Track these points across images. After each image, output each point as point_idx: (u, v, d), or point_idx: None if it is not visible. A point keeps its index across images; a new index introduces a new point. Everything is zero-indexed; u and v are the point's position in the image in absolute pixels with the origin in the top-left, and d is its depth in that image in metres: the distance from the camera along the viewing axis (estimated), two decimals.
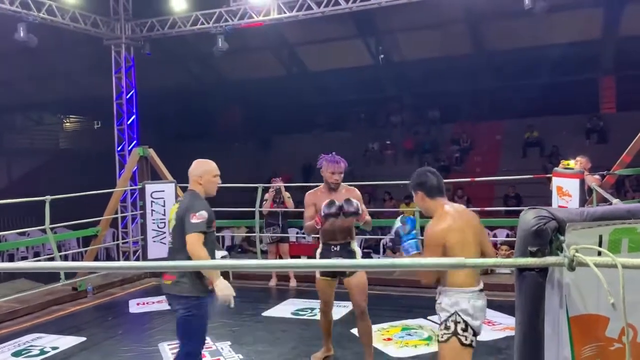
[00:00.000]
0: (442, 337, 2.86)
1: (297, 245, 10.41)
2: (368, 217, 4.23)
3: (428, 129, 16.45)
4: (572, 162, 5.88)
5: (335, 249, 4.16)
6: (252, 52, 14.29)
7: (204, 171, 3.47)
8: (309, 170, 16.14)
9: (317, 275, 4.33)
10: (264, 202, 7.44)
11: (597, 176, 5.93)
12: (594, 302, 1.32)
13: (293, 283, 7.22)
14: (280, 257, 7.39)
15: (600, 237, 1.28)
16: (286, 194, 7.41)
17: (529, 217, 1.29)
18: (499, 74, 15.08)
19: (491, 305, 5.73)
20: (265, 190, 7.54)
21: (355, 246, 4.30)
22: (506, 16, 12.17)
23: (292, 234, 10.72)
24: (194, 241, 3.24)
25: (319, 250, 4.26)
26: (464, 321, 2.79)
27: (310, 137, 16.73)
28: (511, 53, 14.07)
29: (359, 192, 4.35)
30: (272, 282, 7.33)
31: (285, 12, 9.45)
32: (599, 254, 1.20)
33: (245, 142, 17.94)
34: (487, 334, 4.99)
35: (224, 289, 3.24)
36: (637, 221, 1.30)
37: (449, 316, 2.82)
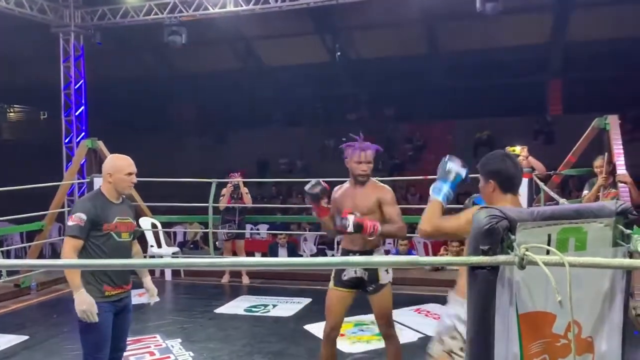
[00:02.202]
0: (432, 350, 2.42)
1: (250, 242, 10.33)
2: (387, 228, 3.32)
3: (383, 127, 16.62)
4: (517, 148, 6.05)
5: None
6: (208, 44, 14.07)
7: (114, 168, 3.11)
8: (264, 166, 16.08)
9: (330, 284, 3.55)
10: (221, 197, 7.29)
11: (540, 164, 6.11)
12: (542, 300, 1.35)
13: (246, 280, 7.15)
14: (235, 254, 7.30)
15: (549, 236, 1.32)
16: (244, 190, 7.24)
17: (481, 216, 1.31)
18: (452, 75, 15.38)
19: (441, 300, 5.89)
20: (222, 185, 7.41)
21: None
22: (460, 18, 12.41)
23: (247, 229, 10.63)
24: (63, 246, 3.00)
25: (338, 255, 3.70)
26: (463, 338, 2.23)
27: (266, 133, 16.65)
28: (464, 54, 14.39)
29: (389, 191, 3.49)
30: (225, 279, 7.24)
31: (241, 5, 9.33)
32: (548, 252, 1.23)
33: (199, 136, 17.66)
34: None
35: (81, 304, 2.92)
36: (584, 221, 1.35)
37: (447, 328, 2.38)
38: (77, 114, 10.14)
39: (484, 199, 2.42)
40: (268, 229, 9.76)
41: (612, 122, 6.19)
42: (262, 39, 14.97)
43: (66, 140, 10.13)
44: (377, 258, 1.00)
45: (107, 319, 3.06)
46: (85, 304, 2.93)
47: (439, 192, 2.48)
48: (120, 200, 3.18)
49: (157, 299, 3.41)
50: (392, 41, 14.00)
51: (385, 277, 3.47)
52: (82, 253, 3.01)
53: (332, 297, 3.53)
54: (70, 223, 3.00)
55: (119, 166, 3.13)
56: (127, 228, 3.17)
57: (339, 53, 15.10)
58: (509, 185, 2.32)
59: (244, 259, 6.71)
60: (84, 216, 2.99)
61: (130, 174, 3.13)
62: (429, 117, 16.22)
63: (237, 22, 11.98)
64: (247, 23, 12.37)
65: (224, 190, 7.31)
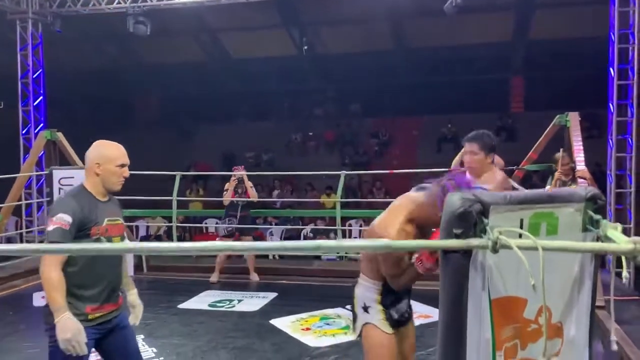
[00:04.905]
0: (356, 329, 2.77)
1: (214, 237, 10.20)
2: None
3: (349, 122, 16.69)
4: None
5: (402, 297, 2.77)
6: (172, 35, 13.82)
7: (104, 157, 2.57)
8: (230, 160, 15.92)
9: (378, 325, 2.65)
10: (224, 192, 6.97)
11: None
12: (513, 284, 1.36)
13: (255, 277, 6.85)
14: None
15: (522, 220, 1.32)
16: (249, 184, 6.93)
17: (454, 199, 1.31)
18: (417, 71, 15.54)
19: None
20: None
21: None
22: (426, 15, 12.53)
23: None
24: (43, 257, 2.45)
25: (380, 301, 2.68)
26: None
27: (232, 127, 16.49)
28: (429, 51, 14.54)
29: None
30: (214, 278, 6.80)
31: None
32: (520, 236, 1.24)
33: (164, 129, 17.37)
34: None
35: (64, 331, 2.37)
36: (555, 205, 1.36)
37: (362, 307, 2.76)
38: (35, 104, 9.81)
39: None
40: None
41: (573, 120, 6.35)
42: (229, 30, 14.80)
43: (24, 132, 9.79)
44: (347, 242, 0.97)
45: (88, 349, 2.49)
46: (70, 331, 2.36)
47: None
48: (107, 197, 2.65)
49: (139, 320, 2.84)
50: (359, 37, 14.04)
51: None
52: (65, 263, 2.47)
53: (385, 343, 2.66)
54: (50, 227, 2.44)
55: (110, 155, 2.58)
56: (118, 231, 2.66)
57: (305, 47, 15.05)
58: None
59: (215, 243, 6.58)
60: (68, 218, 2.44)
61: (122, 165, 2.60)
62: (395, 112, 16.36)
63: (203, 13, 11.80)
64: (213, 14, 12.20)
65: (227, 185, 6.98)
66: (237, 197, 6.89)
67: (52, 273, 2.41)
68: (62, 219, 2.44)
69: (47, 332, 2.52)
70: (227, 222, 6.96)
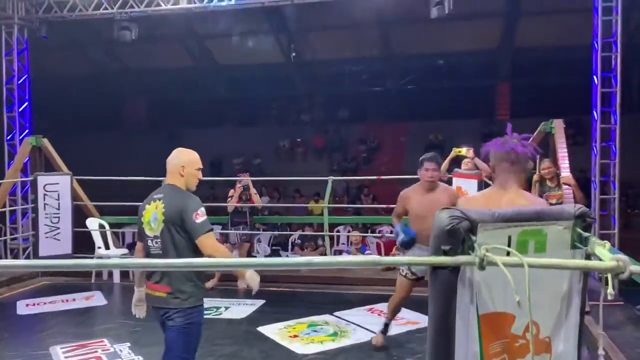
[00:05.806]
0: None
1: None
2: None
3: (337, 128, 16.71)
4: (463, 149, 6.16)
5: None
6: (160, 41, 13.77)
7: (188, 161, 3.02)
8: (218, 166, 15.86)
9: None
10: (229, 198, 6.96)
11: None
12: (501, 300, 1.37)
13: (242, 285, 6.83)
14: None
15: (510, 237, 1.33)
16: (253, 190, 6.94)
17: (443, 216, 1.31)
18: (405, 77, 15.62)
19: None
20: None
21: None
22: (414, 22, 12.61)
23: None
24: (210, 243, 2.91)
25: None
26: None
27: (220, 132, 16.45)
28: (417, 57, 14.63)
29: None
30: (211, 284, 6.74)
31: (195, 2, 9.16)
32: (508, 253, 1.24)
33: (151, 134, 17.26)
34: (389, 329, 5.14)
35: (254, 277, 3.12)
36: (544, 223, 1.37)
37: None
38: (20, 110, 9.71)
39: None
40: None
41: (558, 126, 6.41)
42: (216, 37, 14.77)
43: (8, 138, 9.69)
44: (338, 258, 0.97)
45: None
46: (258, 275, 3.09)
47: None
48: None
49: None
50: (347, 43, 14.08)
51: None
52: (196, 252, 2.90)
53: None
54: (201, 219, 2.89)
55: (193, 160, 3.03)
56: None
57: (293, 54, 15.06)
58: None
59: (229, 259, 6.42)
60: (204, 210, 2.93)
61: (200, 169, 3.07)
62: (383, 118, 16.41)
63: (190, 20, 11.78)
64: (200, 21, 12.18)
65: (231, 192, 6.99)
66: (242, 203, 6.89)
67: (222, 249, 3.11)
68: (204, 212, 2.93)
69: (179, 316, 2.95)
70: (240, 229, 6.93)
